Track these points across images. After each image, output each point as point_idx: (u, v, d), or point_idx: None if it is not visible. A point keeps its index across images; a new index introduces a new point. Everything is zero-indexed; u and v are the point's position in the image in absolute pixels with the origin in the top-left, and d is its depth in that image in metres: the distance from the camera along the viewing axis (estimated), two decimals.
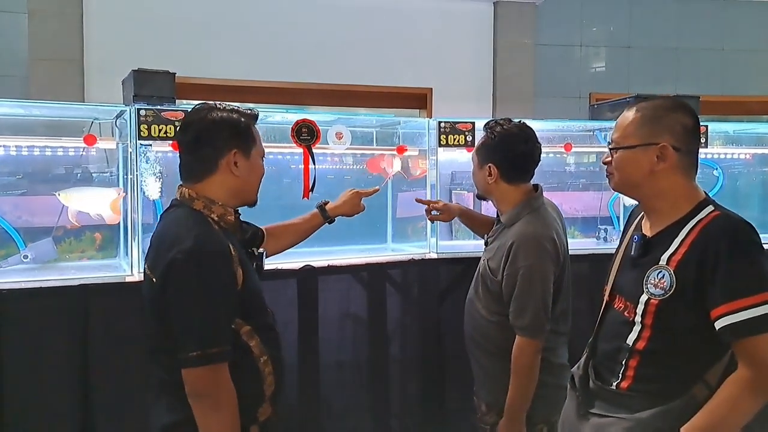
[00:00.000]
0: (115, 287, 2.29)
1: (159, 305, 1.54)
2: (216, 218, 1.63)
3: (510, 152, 2.19)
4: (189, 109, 1.74)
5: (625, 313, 1.60)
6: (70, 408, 2.20)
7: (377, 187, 2.43)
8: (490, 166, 2.20)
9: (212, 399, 1.51)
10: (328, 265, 2.65)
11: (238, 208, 1.74)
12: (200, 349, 1.48)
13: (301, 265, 2.58)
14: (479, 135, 2.35)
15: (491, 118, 2.29)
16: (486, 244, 2.33)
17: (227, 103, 1.71)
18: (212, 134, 1.63)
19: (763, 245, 1.47)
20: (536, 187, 2.26)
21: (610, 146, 1.66)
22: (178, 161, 1.69)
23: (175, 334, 1.51)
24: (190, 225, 1.56)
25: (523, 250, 2.08)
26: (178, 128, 2.14)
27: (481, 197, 2.36)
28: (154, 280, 1.55)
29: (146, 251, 1.67)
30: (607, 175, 1.69)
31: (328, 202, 2.25)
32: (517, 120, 2.27)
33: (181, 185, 1.68)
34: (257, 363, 1.62)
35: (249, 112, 1.71)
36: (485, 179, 2.23)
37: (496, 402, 2.19)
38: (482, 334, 2.23)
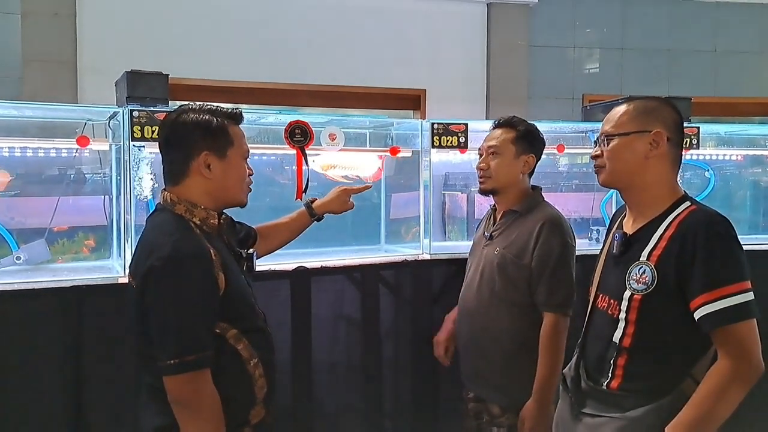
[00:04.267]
0: (108, 288, 2.28)
1: (139, 311, 1.53)
2: (198, 222, 1.61)
3: (542, 149, 2.35)
4: None
5: (609, 311, 1.63)
6: (63, 409, 2.20)
7: (369, 184, 2.42)
8: (530, 157, 2.29)
9: (193, 406, 1.50)
10: (321, 266, 2.65)
11: (226, 210, 1.71)
12: (177, 357, 1.46)
13: (294, 266, 2.58)
14: (478, 136, 2.36)
15: (514, 116, 2.36)
16: (490, 237, 2.31)
17: (210, 103, 1.67)
18: (181, 137, 1.61)
19: (738, 237, 1.51)
20: (533, 187, 2.36)
21: (602, 136, 1.67)
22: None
23: (153, 341, 1.50)
24: (170, 231, 1.54)
25: (556, 230, 2.18)
26: None
27: (489, 192, 2.32)
28: (134, 286, 1.55)
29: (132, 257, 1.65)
30: (595, 171, 1.71)
31: (316, 199, 2.22)
32: None
33: (164, 189, 1.66)
34: (246, 366, 1.61)
35: (229, 111, 1.67)
36: (518, 170, 2.28)
37: (514, 402, 2.18)
38: (501, 330, 2.21)
